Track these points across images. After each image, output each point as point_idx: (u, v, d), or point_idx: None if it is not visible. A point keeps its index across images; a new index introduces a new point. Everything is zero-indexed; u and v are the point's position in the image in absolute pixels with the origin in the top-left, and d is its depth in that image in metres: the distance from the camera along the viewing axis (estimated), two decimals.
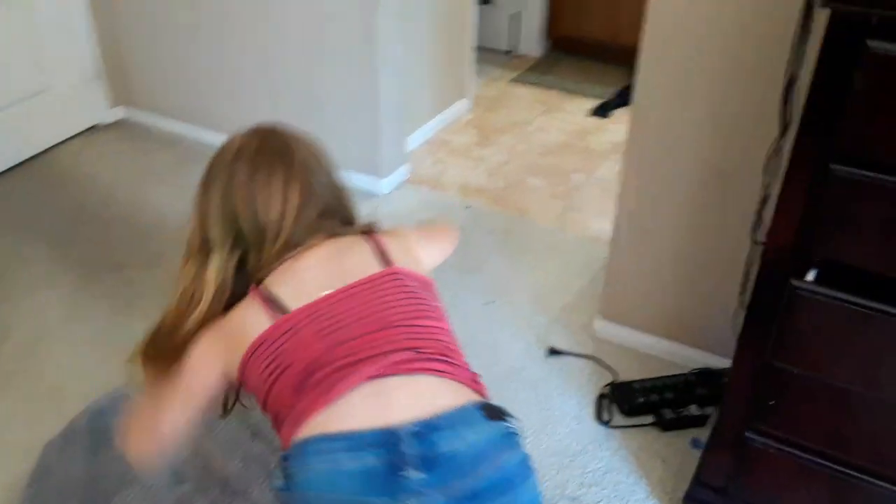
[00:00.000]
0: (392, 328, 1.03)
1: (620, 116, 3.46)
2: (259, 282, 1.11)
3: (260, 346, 1.05)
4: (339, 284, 1.07)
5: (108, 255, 2.53)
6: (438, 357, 1.03)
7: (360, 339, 1.02)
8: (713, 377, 1.96)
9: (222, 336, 1.12)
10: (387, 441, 0.91)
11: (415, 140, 3.18)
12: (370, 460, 0.90)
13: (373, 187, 2.87)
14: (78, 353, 2.15)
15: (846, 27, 1.07)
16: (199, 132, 3.18)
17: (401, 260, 1.14)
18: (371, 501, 0.89)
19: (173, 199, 2.81)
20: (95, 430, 1.81)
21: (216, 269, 1.13)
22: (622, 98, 3.58)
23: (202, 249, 1.16)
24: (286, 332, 1.04)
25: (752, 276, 1.75)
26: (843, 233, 1.20)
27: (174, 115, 3.26)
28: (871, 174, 1.13)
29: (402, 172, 2.95)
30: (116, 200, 2.82)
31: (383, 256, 1.13)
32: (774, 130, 1.60)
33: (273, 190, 1.13)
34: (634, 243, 2.03)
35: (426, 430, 0.93)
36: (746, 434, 1.47)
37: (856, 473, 1.36)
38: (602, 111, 3.49)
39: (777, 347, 1.32)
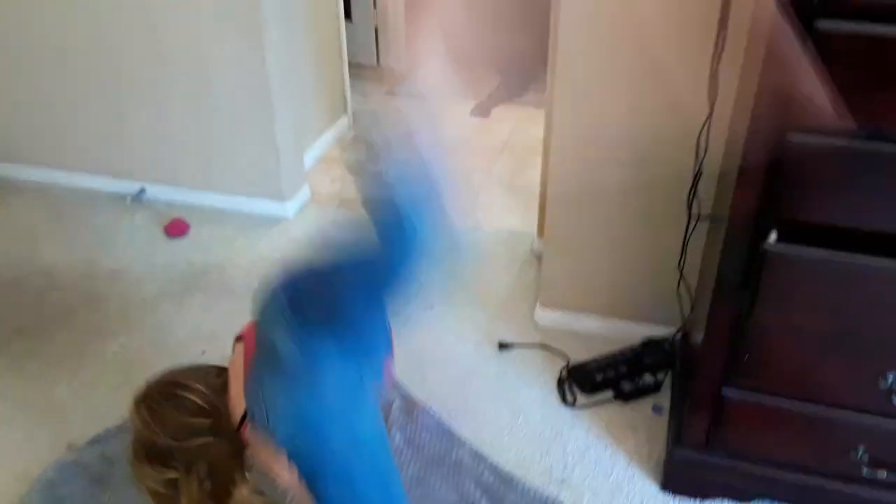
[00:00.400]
0: None
1: (499, 115, 3.59)
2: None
3: None
4: None
5: (7, 319, 2.28)
6: None
7: None
8: (658, 346, 2.10)
9: None
10: None
11: (307, 160, 3.12)
12: None
13: (279, 212, 2.79)
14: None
15: (795, 9, 1.20)
16: (72, 178, 2.95)
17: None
18: None
19: (60, 253, 2.58)
20: None
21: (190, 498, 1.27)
22: (497, 97, 3.71)
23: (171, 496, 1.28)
24: None
25: (691, 247, 1.91)
26: (801, 195, 1.34)
27: (37, 162, 2.99)
28: (824, 139, 1.27)
29: (304, 194, 2.90)
30: None
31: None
32: (697, 109, 1.75)
33: (193, 407, 1.30)
34: (566, 230, 2.12)
35: None
36: (722, 390, 1.59)
37: (827, 409, 1.52)
38: (481, 112, 3.60)
39: (751, 306, 1.45)
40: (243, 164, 2.74)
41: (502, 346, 2.20)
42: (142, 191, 2.89)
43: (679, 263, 1.97)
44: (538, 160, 3.15)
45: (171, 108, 2.69)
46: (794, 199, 1.36)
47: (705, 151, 1.75)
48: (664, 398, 2.00)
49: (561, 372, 2.09)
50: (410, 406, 1.96)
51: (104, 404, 1.99)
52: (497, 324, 2.29)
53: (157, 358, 2.06)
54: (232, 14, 2.44)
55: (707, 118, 1.70)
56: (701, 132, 1.72)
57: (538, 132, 3.40)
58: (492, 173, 3.11)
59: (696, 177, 1.79)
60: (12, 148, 2.99)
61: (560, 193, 2.08)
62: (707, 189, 1.83)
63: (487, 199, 2.93)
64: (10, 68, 2.79)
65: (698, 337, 1.79)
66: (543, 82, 2.40)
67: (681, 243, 1.95)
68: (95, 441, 1.86)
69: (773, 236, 1.39)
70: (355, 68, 3.96)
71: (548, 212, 2.14)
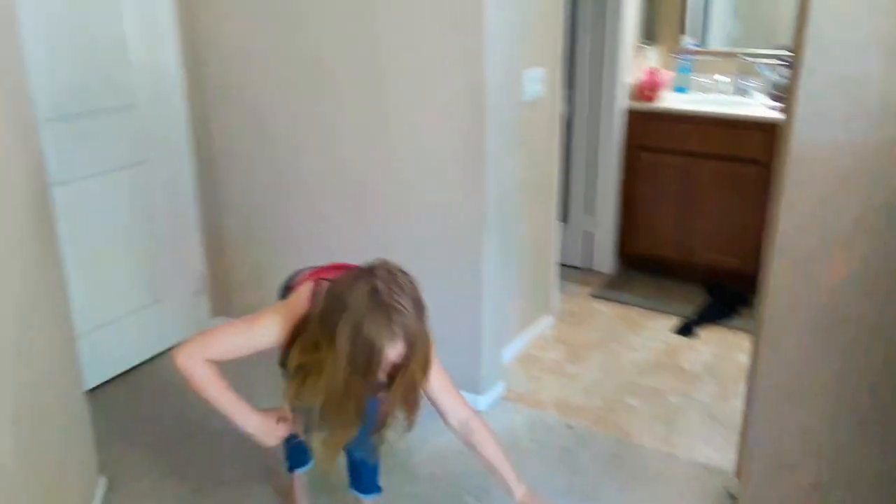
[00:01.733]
0: None
1: (706, 336, 3.51)
2: None
3: None
4: None
5: (216, 470, 2.51)
6: None
7: None
8: None
9: None
10: None
11: (506, 356, 3.23)
12: None
13: (472, 403, 2.87)
14: None
15: None
16: None
17: None
18: None
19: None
20: None
21: None
22: (704, 317, 3.65)
23: None
24: None
25: None
26: None
27: None
28: None
29: (499, 388, 2.98)
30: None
31: None
32: None
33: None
34: (767, 480, 1.98)
35: None
36: None
37: None
38: (687, 331, 3.54)
39: None
40: (446, 354, 2.89)
41: None
42: None
43: None
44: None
45: None
46: None
47: None
48: None
49: None
50: None
51: None
52: None
53: None
54: (458, 209, 2.69)
55: None
56: None
57: (747, 360, 3.28)
58: (692, 398, 3.00)
59: None
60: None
61: (761, 439, 1.97)
62: None
63: (684, 425, 2.81)
64: (269, 249, 3.25)
65: None
66: (754, 307, 2.35)
67: None
68: None
69: None
70: (562, 269, 4.13)
71: (742, 455, 2.02)
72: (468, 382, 2.88)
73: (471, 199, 2.66)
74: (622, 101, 3.98)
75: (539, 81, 3.12)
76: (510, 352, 3.28)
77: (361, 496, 2.13)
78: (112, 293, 3.04)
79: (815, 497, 1.88)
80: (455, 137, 2.63)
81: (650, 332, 3.57)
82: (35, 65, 2.37)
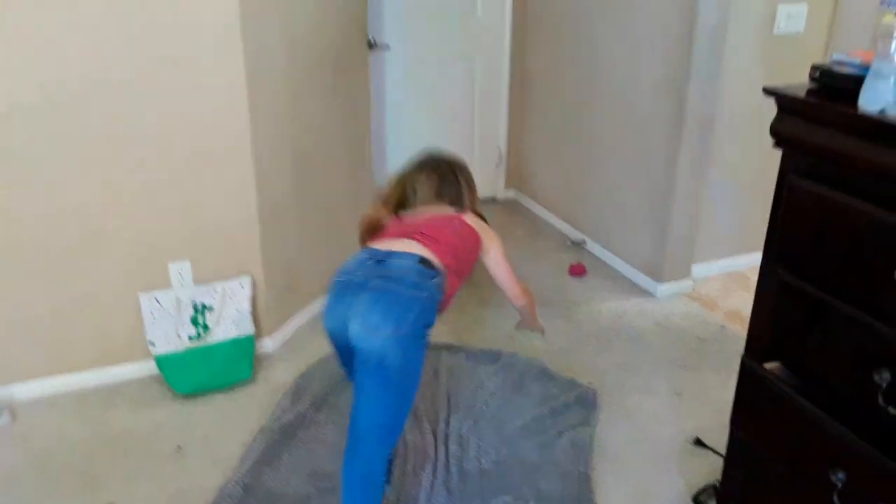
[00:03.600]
0: (422, 227, 2.00)
1: None
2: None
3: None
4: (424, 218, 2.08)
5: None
6: (430, 237, 1.95)
7: (407, 227, 2.01)
8: None
9: None
10: (373, 254, 1.90)
11: (715, 268, 3.57)
12: (365, 257, 1.90)
13: (648, 287, 3.40)
14: None
15: (781, 167, 1.45)
16: (554, 220, 4.12)
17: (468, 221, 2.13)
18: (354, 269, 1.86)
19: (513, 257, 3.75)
20: None
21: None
22: None
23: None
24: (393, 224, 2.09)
25: None
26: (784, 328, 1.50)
27: (543, 203, 4.26)
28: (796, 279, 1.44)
29: (682, 286, 3.40)
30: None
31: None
32: None
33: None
34: None
35: (387, 255, 1.88)
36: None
37: None
38: None
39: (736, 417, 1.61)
40: (637, 240, 3.44)
41: (698, 443, 2.42)
42: (583, 241, 3.85)
43: None
44: None
45: (616, 187, 3.58)
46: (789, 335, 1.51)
47: None
48: None
49: (717, 481, 2.24)
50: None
51: None
52: (714, 429, 2.48)
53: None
54: (661, 116, 3.19)
55: None
56: None
57: None
58: None
59: None
60: (534, 190, 4.33)
61: None
62: None
63: None
64: (551, 144, 4.10)
65: None
66: None
67: None
68: None
69: (771, 365, 1.56)
70: None
71: None
72: (649, 268, 3.40)
73: (666, 127, 3.14)
74: None
75: (799, 17, 3.27)
76: (720, 266, 3.59)
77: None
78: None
79: None
80: (657, 66, 3.12)
81: None
82: None
